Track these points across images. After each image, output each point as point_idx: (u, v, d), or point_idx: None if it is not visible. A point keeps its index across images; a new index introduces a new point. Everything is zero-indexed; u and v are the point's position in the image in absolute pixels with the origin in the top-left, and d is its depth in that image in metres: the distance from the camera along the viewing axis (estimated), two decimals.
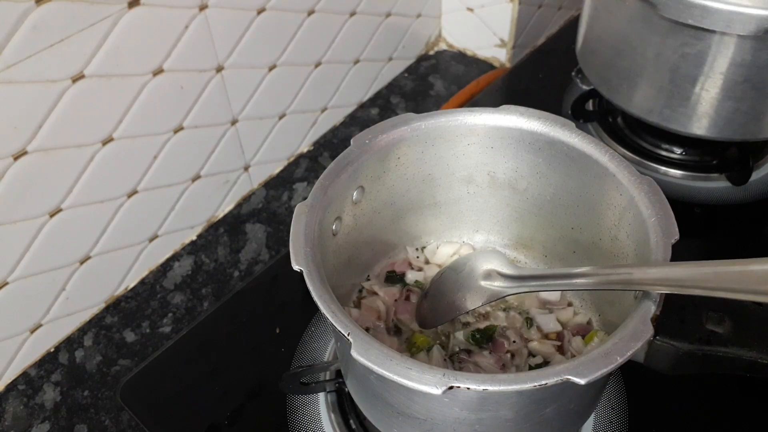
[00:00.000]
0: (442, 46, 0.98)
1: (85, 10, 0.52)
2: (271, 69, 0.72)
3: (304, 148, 0.83)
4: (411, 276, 0.56)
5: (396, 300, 0.55)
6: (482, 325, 0.53)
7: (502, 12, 0.89)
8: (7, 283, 0.57)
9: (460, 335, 0.53)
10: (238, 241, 0.74)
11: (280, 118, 0.77)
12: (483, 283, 0.47)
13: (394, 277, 0.56)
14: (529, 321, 0.53)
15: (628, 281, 0.40)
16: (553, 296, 0.55)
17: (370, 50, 0.85)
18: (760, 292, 0.34)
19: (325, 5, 0.74)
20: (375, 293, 0.55)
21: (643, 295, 0.39)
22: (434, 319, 0.50)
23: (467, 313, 0.51)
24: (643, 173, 0.45)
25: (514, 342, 0.52)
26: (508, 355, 0.51)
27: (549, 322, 0.53)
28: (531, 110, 0.49)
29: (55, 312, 0.63)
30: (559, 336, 0.52)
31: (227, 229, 0.75)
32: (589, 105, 0.78)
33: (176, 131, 0.65)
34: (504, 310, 0.55)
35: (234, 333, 0.63)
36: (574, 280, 0.42)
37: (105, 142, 0.59)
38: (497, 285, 0.46)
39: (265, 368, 0.60)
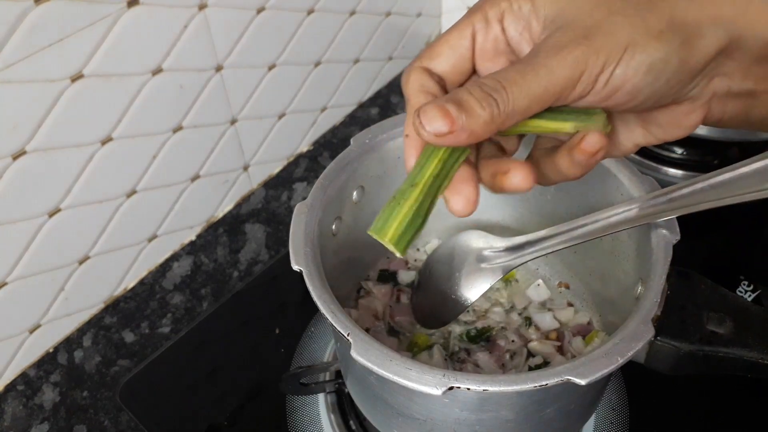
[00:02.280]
0: None
1: (84, 10, 0.52)
2: (270, 68, 0.72)
3: (304, 147, 0.83)
4: (404, 276, 0.56)
5: (389, 302, 0.55)
6: (480, 324, 0.53)
7: None
8: (6, 284, 0.57)
9: (457, 331, 0.53)
10: (238, 241, 0.74)
11: (280, 117, 0.77)
12: (483, 265, 0.46)
13: (386, 275, 0.56)
14: (528, 320, 0.53)
15: (632, 218, 0.39)
16: (546, 295, 0.55)
17: (370, 49, 0.85)
18: (755, 191, 0.34)
19: (324, 4, 0.74)
20: (373, 293, 0.55)
21: (645, 291, 0.39)
22: (442, 318, 0.49)
23: (475, 311, 0.50)
24: (644, 173, 0.45)
25: (513, 341, 0.52)
26: (507, 354, 0.51)
27: (546, 320, 0.53)
28: None
29: (54, 312, 0.62)
30: (559, 336, 0.52)
31: (227, 229, 0.75)
32: None
33: (175, 131, 0.65)
34: (502, 307, 0.55)
35: (233, 333, 0.63)
36: (575, 232, 0.41)
37: (104, 142, 0.59)
38: (499, 262, 0.45)
39: (265, 369, 0.59)
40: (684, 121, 0.34)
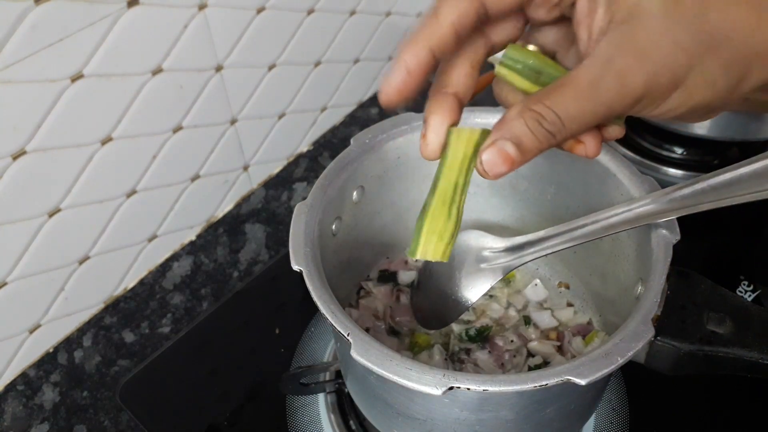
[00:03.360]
0: None
1: (84, 10, 0.52)
2: (270, 68, 0.72)
3: (304, 147, 0.83)
4: (404, 276, 0.56)
5: (389, 302, 0.55)
6: (480, 323, 0.53)
7: None
8: (6, 284, 0.57)
9: (456, 330, 0.53)
10: (238, 241, 0.74)
11: (280, 117, 0.77)
12: (483, 266, 0.46)
13: (386, 275, 0.56)
14: (527, 319, 0.53)
15: (632, 219, 0.40)
16: (543, 295, 0.55)
17: (370, 49, 0.85)
18: (756, 191, 0.35)
19: (324, 4, 0.74)
20: (373, 293, 0.55)
21: (645, 291, 0.39)
22: (443, 319, 0.49)
23: (473, 307, 0.50)
24: (644, 173, 0.45)
25: (512, 341, 0.52)
26: (507, 354, 0.51)
27: (545, 318, 0.53)
28: None
29: (54, 312, 0.62)
30: (559, 336, 0.52)
31: (226, 229, 0.75)
32: None
33: (175, 131, 0.65)
34: (501, 305, 0.55)
35: (233, 333, 0.63)
36: (575, 233, 0.41)
37: (104, 142, 0.59)
38: (499, 262, 0.45)
39: (265, 369, 0.60)
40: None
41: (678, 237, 0.41)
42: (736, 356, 0.39)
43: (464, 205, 0.35)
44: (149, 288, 0.70)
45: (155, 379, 0.60)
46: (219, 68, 0.66)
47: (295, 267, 0.40)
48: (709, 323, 0.40)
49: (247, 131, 0.73)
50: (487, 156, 0.31)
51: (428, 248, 0.34)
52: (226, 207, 0.76)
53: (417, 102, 0.94)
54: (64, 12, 0.51)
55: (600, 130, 0.34)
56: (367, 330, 0.50)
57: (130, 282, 0.69)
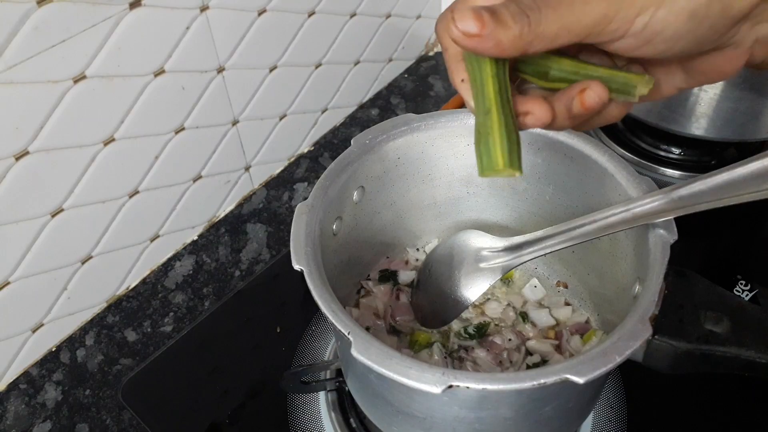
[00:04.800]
0: None
1: (87, 11, 0.52)
2: (271, 70, 0.72)
3: (305, 148, 0.83)
4: (404, 276, 0.56)
5: (390, 301, 0.55)
6: (478, 321, 0.53)
7: None
8: (8, 283, 0.57)
9: (455, 328, 0.53)
10: (239, 241, 0.74)
11: (281, 118, 0.77)
12: (482, 265, 0.46)
13: (386, 275, 0.56)
14: (525, 317, 0.54)
15: (630, 219, 0.40)
16: (542, 294, 0.55)
17: (370, 51, 0.85)
18: (753, 192, 0.35)
19: (325, 6, 0.74)
20: (373, 292, 0.56)
21: (643, 291, 0.39)
22: (443, 318, 0.49)
23: (472, 305, 0.51)
24: (641, 173, 0.45)
25: (510, 340, 0.52)
26: (506, 353, 0.52)
27: (543, 317, 0.53)
28: None
29: (56, 311, 0.63)
30: (557, 335, 0.53)
31: (228, 228, 0.75)
32: None
33: (177, 131, 0.65)
34: (499, 303, 0.55)
35: (235, 332, 0.63)
36: (573, 233, 0.42)
37: (106, 143, 0.59)
38: (498, 262, 0.45)
39: (266, 367, 0.60)
40: (726, 66, 0.34)
41: (675, 237, 0.41)
42: (734, 355, 0.39)
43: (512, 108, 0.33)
44: (151, 287, 0.70)
45: (157, 378, 0.60)
46: (221, 69, 0.66)
47: (296, 266, 0.41)
48: (706, 322, 0.40)
49: (248, 132, 0.74)
50: (460, 8, 0.30)
51: (489, 163, 0.32)
52: (228, 207, 0.77)
53: (417, 103, 0.94)
54: (66, 13, 0.51)
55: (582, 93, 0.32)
56: (367, 329, 0.50)
57: (133, 281, 0.70)
